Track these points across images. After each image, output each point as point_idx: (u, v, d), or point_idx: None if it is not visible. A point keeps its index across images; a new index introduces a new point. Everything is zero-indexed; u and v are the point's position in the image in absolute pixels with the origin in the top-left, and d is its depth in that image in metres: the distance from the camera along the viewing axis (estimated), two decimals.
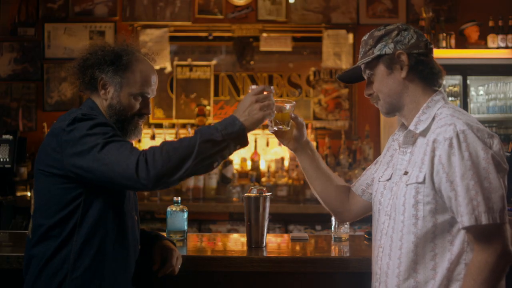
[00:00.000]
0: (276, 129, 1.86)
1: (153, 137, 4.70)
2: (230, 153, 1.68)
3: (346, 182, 2.05)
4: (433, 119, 1.68)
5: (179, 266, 1.97)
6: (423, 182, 1.61)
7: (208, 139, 1.60)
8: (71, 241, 1.71)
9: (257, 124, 1.67)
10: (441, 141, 1.58)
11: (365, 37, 1.79)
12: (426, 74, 1.73)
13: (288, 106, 1.85)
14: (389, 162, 1.84)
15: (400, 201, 1.67)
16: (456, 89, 4.41)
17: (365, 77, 1.81)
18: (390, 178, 1.78)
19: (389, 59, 1.71)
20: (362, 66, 1.78)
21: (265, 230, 2.26)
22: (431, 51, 1.75)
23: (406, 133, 1.73)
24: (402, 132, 1.79)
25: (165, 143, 1.62)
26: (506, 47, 4.30)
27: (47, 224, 1.73)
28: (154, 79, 1.91)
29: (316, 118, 4.86)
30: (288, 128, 1.89)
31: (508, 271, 1.57)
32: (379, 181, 1.83)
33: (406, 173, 1.69)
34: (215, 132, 1.62)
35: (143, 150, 1.62)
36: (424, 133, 1.68)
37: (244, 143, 1.67)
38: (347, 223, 2.40)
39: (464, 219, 1.53)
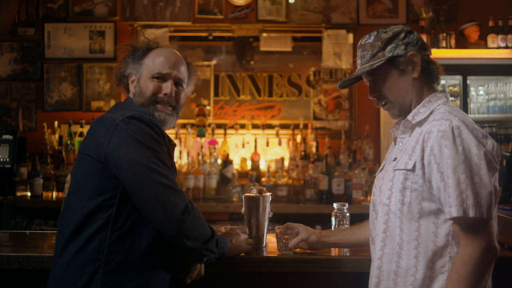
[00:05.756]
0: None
1: None
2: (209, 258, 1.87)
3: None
4: (431, 113, 1.72)
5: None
6: (413, 169, 1.65)
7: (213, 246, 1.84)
8: (105, 232, 1.68)
9: (237, 253, 2.03)
10: (434, 132, 1.62)
11: (368, 40, 1.77)
12: (433, 73, 1.78)
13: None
14: (386, 159, 1.89)
15: (387, 185, 1.71)
16: (456, 89, 4.41)
17: (367, 80, 1.82)
18: (382, 169, 1.83)
19: (401, 60, 1.74)
20: (368, 69, 1.77)
21: (265, 230, 2.26)
22: (430, 52, 1.82)
23: (404, 122, 1.77)
24: (398, 125, 1.83)
25: (195, 214, 1.76)
26: (506, 47, 4.30)
27: (81, 210, 1.70)
28: (172, 59, 1.96)
29: (316, 118, 4.86)
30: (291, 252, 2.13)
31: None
32: (376, 177, 1.89)
33: (395, 159, 1.74)
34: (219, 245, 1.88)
35: (187, 205, 1.74)
36: (420, 124, 1.72)
37: (220, 259, 1.92)
38: (347, 222, 2.41)
39: (453, 210, 1.56)
